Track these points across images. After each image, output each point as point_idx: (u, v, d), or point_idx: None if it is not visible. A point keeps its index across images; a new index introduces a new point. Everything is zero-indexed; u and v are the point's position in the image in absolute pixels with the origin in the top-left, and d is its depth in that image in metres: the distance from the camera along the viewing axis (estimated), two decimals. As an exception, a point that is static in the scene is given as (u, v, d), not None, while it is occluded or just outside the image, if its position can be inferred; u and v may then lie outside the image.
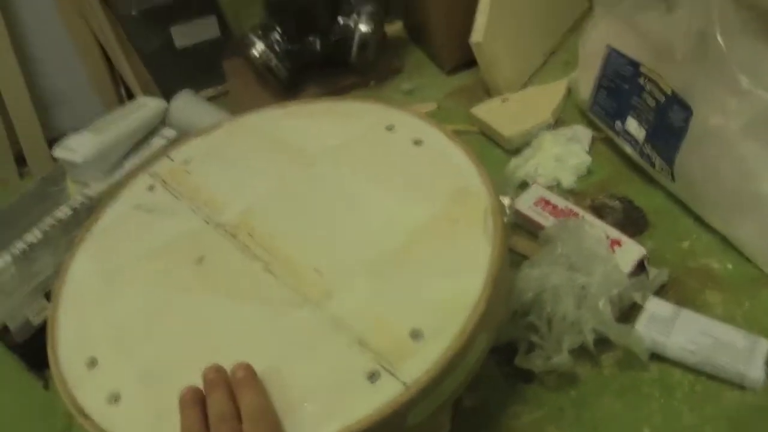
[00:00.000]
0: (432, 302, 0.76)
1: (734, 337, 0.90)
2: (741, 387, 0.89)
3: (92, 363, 0.81)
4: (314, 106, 1.06)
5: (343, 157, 0.96)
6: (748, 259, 1.03)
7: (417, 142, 0.95)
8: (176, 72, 1.58)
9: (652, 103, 1.11)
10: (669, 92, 1.06)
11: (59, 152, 1.23)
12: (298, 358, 0.75)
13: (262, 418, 0.69)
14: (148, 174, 1.02)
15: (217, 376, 0.73)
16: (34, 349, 0.94)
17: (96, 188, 1.22)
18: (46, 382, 1.05)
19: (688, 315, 0.94)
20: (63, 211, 1.17)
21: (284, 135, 1.02)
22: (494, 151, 1.31)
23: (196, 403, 0.72)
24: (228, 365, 0.74)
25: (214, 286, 0.85)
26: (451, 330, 0.73)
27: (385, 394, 0.70)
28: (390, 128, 0.98)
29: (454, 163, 0.91)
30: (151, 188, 1.00)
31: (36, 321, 1.04)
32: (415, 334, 0.74)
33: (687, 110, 1.02)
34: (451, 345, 0.72)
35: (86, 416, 0.76)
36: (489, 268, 0.77)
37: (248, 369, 0.73)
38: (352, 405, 0.70)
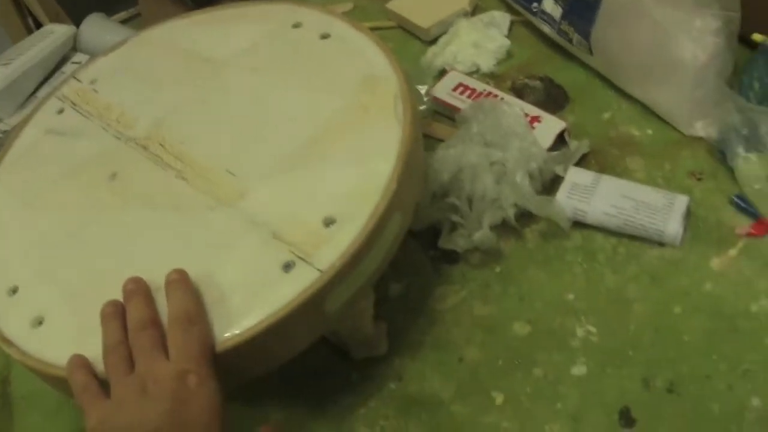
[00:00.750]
0: (344, 189, 0.77)
1: (654, 197, 0.92)
2: (661, 244, 0.91)
3: (14, 290, 0.80)
4: (219, 12, 1.04)
5: (250, 59, 0.95)
6: (668, 124, 1.04)
7: (324, 36, 0.93)
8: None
9: (566, -21, 1.10)
10: (582, -34, 1.05)
11: (-34, 90, 1.20)
12: (216, 258, 0.76)
13: (190, 323, 0.69)
14: (56, 98, 1.01)
15: (135, 286, 0.73)
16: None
17: (10, 122, 1.19)
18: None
19: (608, 180, 0.95)
20: (-23, 150, 1.15)
21: (191, 44, 1.00)
22: (413, 43, 1.29)
23: (116, 315, 0.71)
24: (149, 276, 0.74)
25: (128, 199, 0.84)
26: (363, 213, 0.73)
27: (301, 282, 0.70)
28: (297, 25, 0.96)
29: (363, 53, 0.90)
30: (60, 111, 0.98)
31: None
32: (328, 222, 0.74)
33: (600, -19, 1.02)
34: (365, 227, 0.72)
35: (10, 344, 0.76)
36: (399, 150, 0.77)
37: (181, 272, 0.73)
38: (271, 296, 0.70)
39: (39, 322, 0.77)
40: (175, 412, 0.64)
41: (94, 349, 0.70)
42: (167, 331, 0.70)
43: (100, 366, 0.70)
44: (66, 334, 0.75)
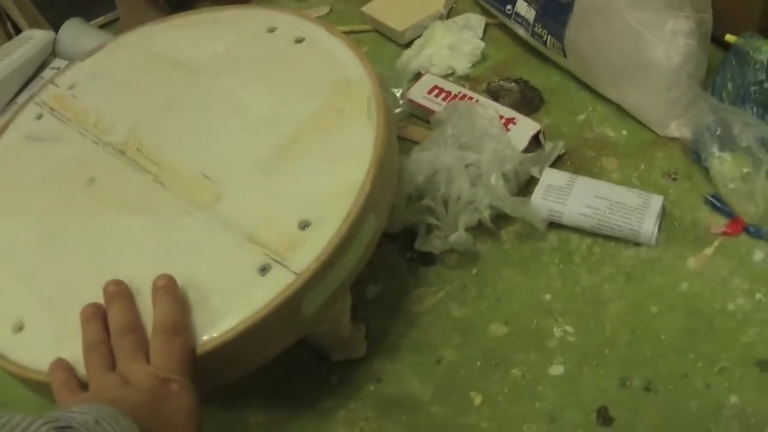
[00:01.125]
0: (318, 192, 0.77)
1: (628, 197, 0.92)
2: (636, 244, 0.92)
3: (-7, 297, 0.80)
4: (195, 17, 1.04)
5: (225, 63, 0.95)
6: (642, 125, 1.05)
7: (299, 41, 0.94)
8: (63, 1, 1.53)
9: (538, -18, 1.11)
10: (554, -31, 1.06)
11: (-54, 95, 1.20)
12: (193, 262, 0.76)
13: (174, 334, 0.69)
14: (35, 103, 1.00)
15: (117, 288, 0.73)
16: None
17: (-10, 128, 1.19)
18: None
19: (583, 181, 0.95)
20: (-43, 154, 1.14)
21: (167, 48, 1.00)
22: (389, 46, 1.29)
23: (97, 316, 0.72)
24: (127, 279, 0.74)
25: (106, 203, 0.84)
26: (337, 215, 0.74)
27: (277, 285, 0.71)
28: (271, 30, 0.97)
29: (337, 57, 0.90)
30: (39, 117, 0.98)
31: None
32: (304, 224, 0.75)
33: (573, -16, 1.03)
34: (339, 229, 0.73)
35: None
36: (372, 152, 0.78)
37: (170, 278, 0.72)
38: (247, 299, 0.71)
39: (19, 327, 0.77)
40: (153, 403, 0.63)
41: (74, 354, 0.71)
42: (151, 338, 0.70)
43: (81, 369, 0.70)
44: (46, 339, 0.75)
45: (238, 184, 0.81)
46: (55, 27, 1.39)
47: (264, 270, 0.72)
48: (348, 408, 0.84)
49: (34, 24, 1.46)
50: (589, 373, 0.82)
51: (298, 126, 0.84)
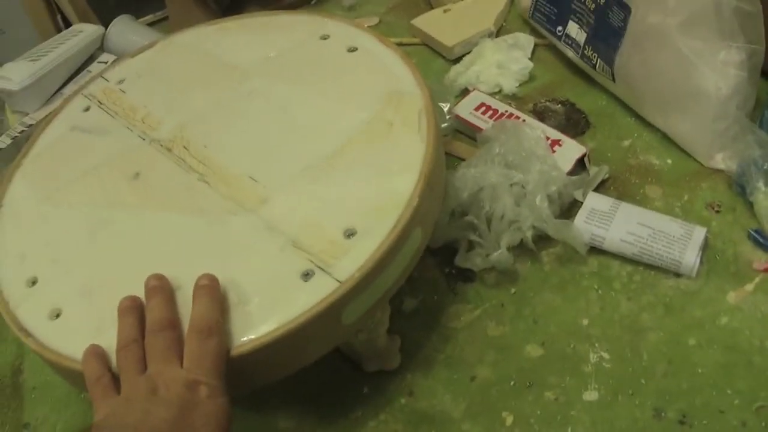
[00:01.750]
0: (366, 201, 0.77)
1: (671, 226, 0.91)
2: (677, 275, 0.91)
3: (33, 282, 0.81)
4: (248, 20, 1.05)
5: (277, 68, 0.95)
6: (688, 154, 1.04)
7: (351, 50, 0.94)
8: (113, -1, 1.55)
9: (591, 5, 1.10)
10: (608, -7, 1.06)
11: (-6, 81, 1.21)
12: (236, 263, 0.76)
13: (209, 334, 0.69)
14: (83, 95, 1.02)
15: (158, 283, 0.73)
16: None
17: (35, 117, 1.20)
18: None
19: (626, 208, 0.94)
20: (2, 141, 1.16)
21: (218, 50, 1.01)
22: (437, 61, 1.30)
23: (133, 310, 0.72)
24: (168, 275, 0.74)
25: (150, 199, 0.85)
26: (384, 226, 0.74)
27: (319, 291, 0.70)
28: (324, 38, 0.97)
29: (389, 68, 0.90)
30: (86, 109, 0.99)
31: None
32: (349, 233, 0.74)
33: (626, 9, 1.03)
34: (384, 240, 0.73)
35: (28, 334, 0.76)
36: (422, 165, 0.78)
37: (212, 279, 0.72)
38: (288, 303, 0.71)
39: (56, 314, 0.77)
40: (181, 419, 0.63)
41: (110, 344, 0.71)
42: (186, 337, 0.70)
43: (114, 358, 0.70)
44: (83, 328, 0.75)
45: (284, 188, 0.81)
46: (105, 23, 1.40)
47: (307, 276, 0.72)
48: (378, 419, 0.84)
49: (84, 18, 1.48)
50: (623, 401, 0.81)
51: (347, 134, 0.84)
